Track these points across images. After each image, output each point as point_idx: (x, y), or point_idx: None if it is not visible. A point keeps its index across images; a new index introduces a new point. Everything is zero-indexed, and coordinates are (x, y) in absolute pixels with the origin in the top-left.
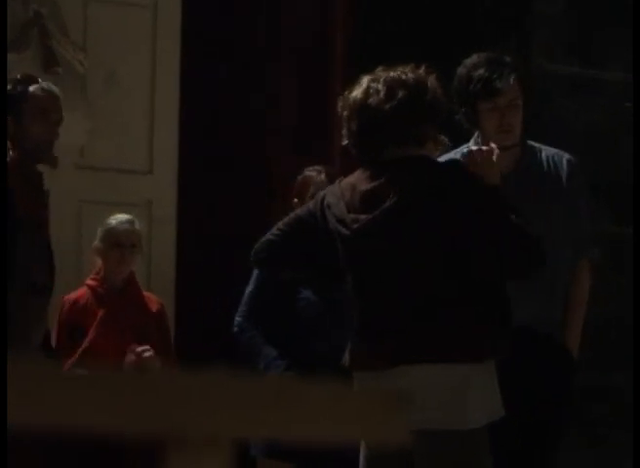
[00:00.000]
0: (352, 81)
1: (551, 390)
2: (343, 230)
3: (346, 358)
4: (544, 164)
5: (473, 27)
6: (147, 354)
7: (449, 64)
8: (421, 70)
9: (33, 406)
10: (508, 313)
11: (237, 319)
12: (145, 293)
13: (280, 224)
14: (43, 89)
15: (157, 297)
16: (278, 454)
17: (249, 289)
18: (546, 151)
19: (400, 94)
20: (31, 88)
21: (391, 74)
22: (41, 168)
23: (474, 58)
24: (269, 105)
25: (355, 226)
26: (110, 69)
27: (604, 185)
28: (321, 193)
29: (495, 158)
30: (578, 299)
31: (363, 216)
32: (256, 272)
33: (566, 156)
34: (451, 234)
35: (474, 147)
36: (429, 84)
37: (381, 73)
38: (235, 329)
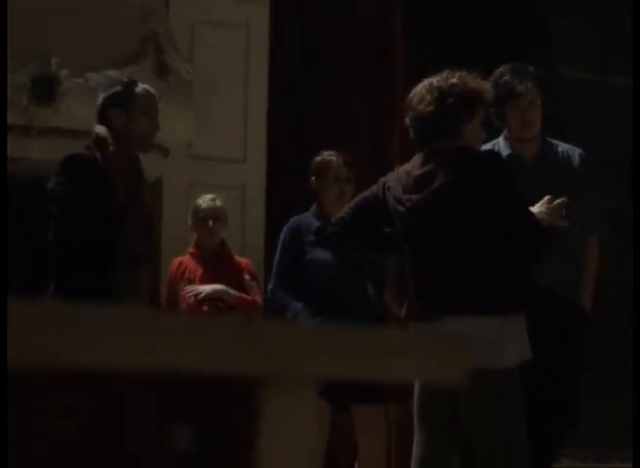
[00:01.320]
0: (411, 87)
1: (569, 338)
2: (400, 208)
3: (403, 310)
4: (560, 155)
5: (508, 42)
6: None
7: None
8: (464, 75)
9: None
10: (530, 277)
11: (269, 286)
12: (236, 257)
13: (350, 204)
14: (145, 90)
15: (246, 259)
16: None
17: (276, 259)
18: (562, 146)
19: (430, 97)
20: (137, 89)
21: (432, 80)
22: (152, 156)
23: (501, 69)
24: (346, 105)
25: (409, 204)
26: (212, 77)
27: (618, 170)
28: (383, 178)
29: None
30: (589, 267)
31: (415, 196)
32: (280, 246)
33: (577, 150)
34: (483, 211)
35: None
36: (460, 87)
37: (431, 78)
38: (268, 294)
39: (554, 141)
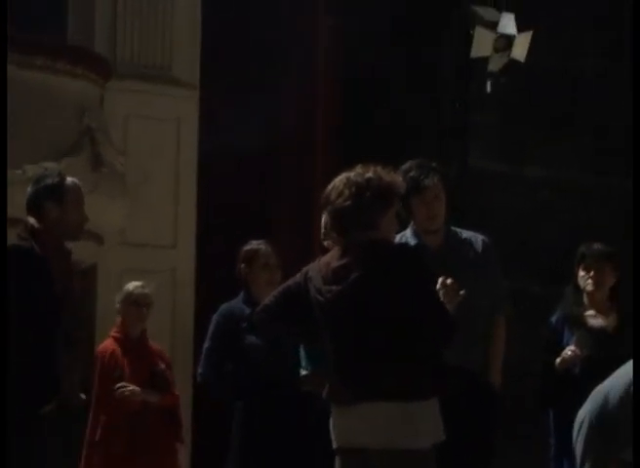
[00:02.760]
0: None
1: (481, 415)
2: (320, 298)
3: (325, 391)
4: (463, 242)
5: (425, 136)
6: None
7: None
8: (379, 169)
9: None
10: (443, 363)
11: (199, 371)
12: (150, 343)
13: (275, 292)
14: (74, 182)
15: (158, 345)
16: None
17: (205, 345)
18: (465, 233)
19: (348, 191)
20: (68, 182)
21: (352, 175)
22: (87, 244)
23: (407, 164)
24: (273, 196)
25: (328, 296)
26: (144, 168)
27: (525, 253)
28: (305, 268)
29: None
30: (497, 345)
31: (334, 288)
32: (211, 331)
33: (480, 237)
34: (396, 302)
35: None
36: (376, 181)
37: (347, 173)
38: (199, 379)
39: (457, 230)
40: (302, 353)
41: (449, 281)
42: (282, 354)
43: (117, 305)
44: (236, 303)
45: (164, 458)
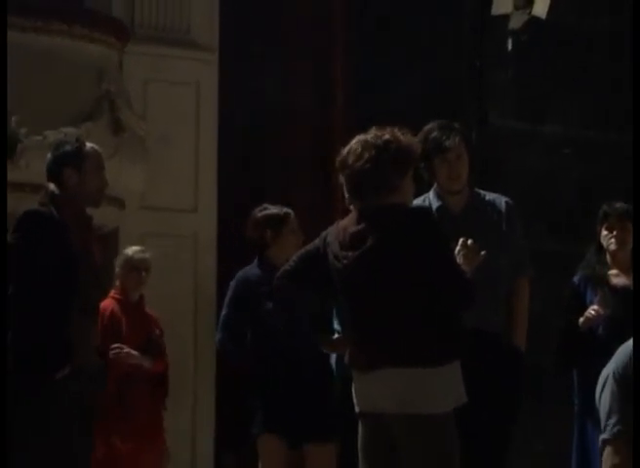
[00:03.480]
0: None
1: (506, 376)
2: (337, 264)
3: (346, 357)
4: (487, 205)
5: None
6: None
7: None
8: (397, 132)
9: None
10: (461, 327)
11: (217, 336)
12: (147, 309)
13: (294, 257)
14: (94, 148)
15: (154, 312)
16: (275, 430)
17: (223, 312)
18: (488, 195)
19: (367, 154)
20: (86, 148)
21: (369, 137)
22: (109, 208)
23: (429, 125)
24: (293, 159)
25: (345, 262)
26: (164, 132)
27: (544, 212)
28: (324, 232)
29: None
30: (521, 308)
31: (350, 253)
32: (228, 297)
33: (504, 199)
34: (413, 267)
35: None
36: (395, 144)
37: (365, 136)
38: (218, 345)
39: (481, 192)
40: (335, 316)
41: (470, 242)
42: (299, 319)
43: (117, 270)
44: (251, 269)
45: (149, 423)
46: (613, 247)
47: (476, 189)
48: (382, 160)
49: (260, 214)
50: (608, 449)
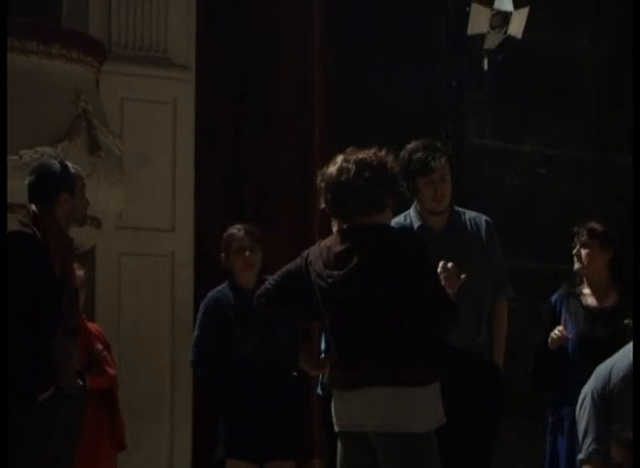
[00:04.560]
0: (329, 159)
1: (487, 395)
2: (321, 283)
3: (326, 377)
4: (467, 224)
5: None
6: None
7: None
8: (383, 152)
9: None
10: (445, 348)
11: (190, 358)
12: (89, 324)
13: (275, 275)
14: (76, 169)
15: (97, 326)
16: (243, 455)
17: (195, 333)
18: (469, 214)
19: (366, 173)
20: (73, 170)
21: (360, 156)
22: (86, 228)
23: (413, 144)
24: (271, 178)
25: (330, 280)
26: (141, 151)
27: (524, 230)
28: (305, 252)
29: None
30: (500, 329)
31: (335, 272)
32: (199, 320)
33: (484, 217)
34: (398, 288)
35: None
36: (389, 165)
37: (351, 154)
38: (190, 365)
39: (461, 210)
40: (323, 338)
41: (449, 265)
42: (269, 342)
43: None
44: (222, 290)
45: (91, 439)
46: (576, 266)
47: (456, 208)
48: (380, 179)
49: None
50: None
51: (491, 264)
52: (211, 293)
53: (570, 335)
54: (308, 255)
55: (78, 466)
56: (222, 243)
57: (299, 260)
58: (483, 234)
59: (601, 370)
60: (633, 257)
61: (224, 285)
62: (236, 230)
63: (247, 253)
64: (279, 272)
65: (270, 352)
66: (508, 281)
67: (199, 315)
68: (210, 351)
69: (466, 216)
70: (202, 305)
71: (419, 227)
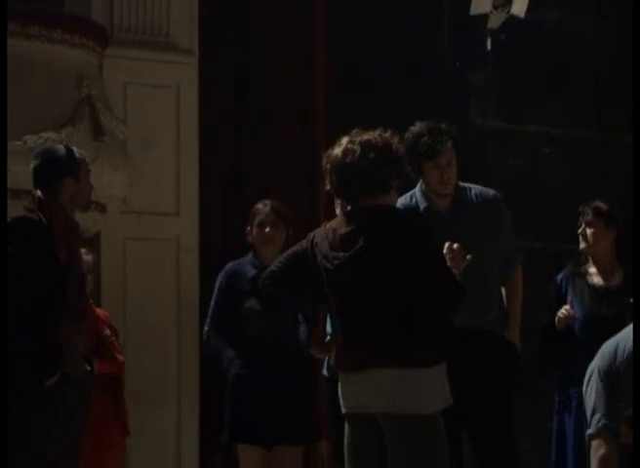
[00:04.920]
0: (334, 140)
1: (500, 372)
2: (327, 264)
3: (332, 359)
4: (474, 199)
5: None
6: None
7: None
8: (388, 134)
9: None
10: (450, 329)
11: (205, 329)
12: (96, 310)
13: (280, 258)
14: (81, 154)
15: (105, 311)
16: (249, 439)
17: (211, 304)
18: (474, 189)
19: (371, 155)
20: (77, 155)
21: (365, 137)
22: (90, 213)
23: (418, 127)
24: (274, 162)
25: (336, 262)
26: (144, 136)
27: (527, 211)
28: (311, 234)
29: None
30: (515, 301)
31: (342, 254)
32: (216, 290)
33: (491, 192)
34: (404, 269)
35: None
36: (394, 146)
37: (357, 136)
38: (204, 337)
39: (467, 185)
40: (329, 321)
41: (455, 246)
42: (277, 324)
43: None
44: (242, 263)
45: (101, 426)
46: (582, 245)
47: (462, 184)
48: (385, 161)
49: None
50: (594, 443)
51: (497, 240)
52: (229, 265)
53: (576, 314)
54: (314, 237)
55: (89, 453)
56: (249, 216)
57: (304, 242)
58: (490, 209)
59: (607, 348)
60: (634, 237)
61: (245, 258)
62: (262, 205)
63: (268, 229)
64: (285, 254)
65: (276, 334)
66: (519, 252)
67: (216, 285)
68: (222, 326)
69: (472, 192)
70: (220, 276)
71: (424, 209)
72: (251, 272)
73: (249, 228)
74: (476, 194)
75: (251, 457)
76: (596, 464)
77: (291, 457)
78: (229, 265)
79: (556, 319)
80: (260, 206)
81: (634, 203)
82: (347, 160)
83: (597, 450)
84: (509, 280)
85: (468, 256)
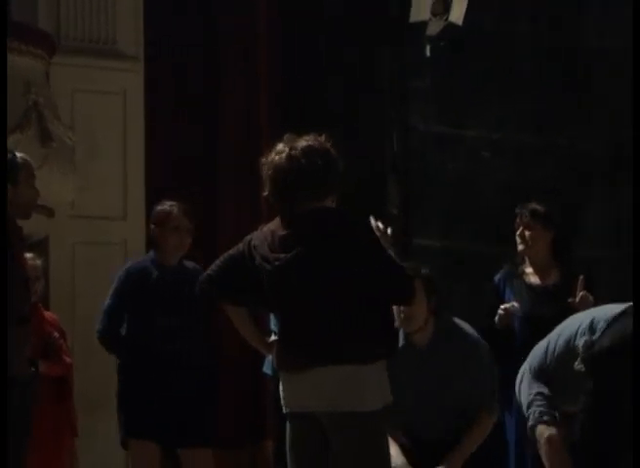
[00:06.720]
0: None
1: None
2: (267, 266)
3: (273, 360)
4: (452, 340)
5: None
6: None
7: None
8: (322, 138)
9: None
10: (390, 326)
11: (98, 327)
12: (45, 313)
13: (217, 261)
14: (24, 159)
15: (53, 314)
16: (141, 435)
17: (107, 301)
18: (455, 329)
19: (318, 160)
20: (19, 160)
21: (304, 143)
22: (39, 217)
23: None
24: (219, 166)
25: (277, 263)
26: (92, 141)
27: (466, 214)
28: (247, 237)
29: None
30: (474, 436)
31: (282, 255)
32: (113, 287)
33: (469, 333)
34: (344, 269)
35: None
36: (331, 151)
37: (294, 141)
38: (97, 335)
39: (447, 325)
40: (272, 320)
41: (380, 225)
42: (179, 329)
43: None
44: (143, 262)
45: (46, 424)
46: (521, 246)
47: (443, 322)
48: (330, 165)
49: (154, 209)
50: (538, 430)
51: (475, 380)
52: (129, 264)
53: (515, 311)
54: (251, 240)
55: (37, 454)
56: (156, 216)
57: (241, 245)
58: (469, 352)
59: (537, 349)
60: (634, 237)
61: (145, 257)
62: (175, 208)
63: (183, 234)
64: (221, 257)
65: (180, 336)
66: (494, 397)
67: (116, 281)
68: (120, 323)
69: (452, 332)
70: (122, 272)
71: (402, 347)
72: (154, 273)
73: (154, 227)
74: (456, 334)
75: (147, 454)
76: (545, 446)
77: (200, 460)
78: (129, 264)
79: (496, 318)
80: (173, 208)
81: (634, 203)
82: (293, 166)
83: (542, 435)
84: (478, 418)
85: (389, 230)
